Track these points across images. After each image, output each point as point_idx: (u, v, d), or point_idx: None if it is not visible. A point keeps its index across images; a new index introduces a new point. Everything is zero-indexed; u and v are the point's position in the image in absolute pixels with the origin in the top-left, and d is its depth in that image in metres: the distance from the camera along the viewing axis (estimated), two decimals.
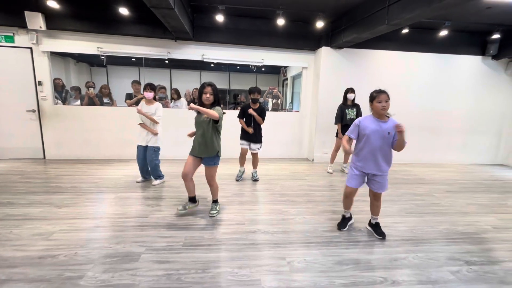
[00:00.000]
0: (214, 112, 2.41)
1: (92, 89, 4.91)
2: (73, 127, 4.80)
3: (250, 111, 3.71)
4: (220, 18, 4.41)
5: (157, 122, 3.50)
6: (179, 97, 5.45)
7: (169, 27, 4.05)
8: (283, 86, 8.56)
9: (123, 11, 4.14)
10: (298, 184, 3.89)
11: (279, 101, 6.42)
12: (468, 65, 5.43)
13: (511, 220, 2.92)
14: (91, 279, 1.74)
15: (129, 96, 5.18)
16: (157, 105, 3.51)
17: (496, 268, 2.03)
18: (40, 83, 4.59)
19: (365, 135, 2.24)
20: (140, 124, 3.55)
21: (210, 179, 2.73)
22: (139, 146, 3.58)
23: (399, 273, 1.93)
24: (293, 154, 5.69)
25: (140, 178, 3.75)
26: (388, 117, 2.27)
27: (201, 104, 2.53)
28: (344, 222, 2.58)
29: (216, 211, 2.79)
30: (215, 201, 2.87)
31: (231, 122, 4.36)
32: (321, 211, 2.95)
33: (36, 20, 4.19)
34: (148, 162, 3.60)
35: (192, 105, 2.45)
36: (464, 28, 5.02)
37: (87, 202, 3.01)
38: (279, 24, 4.56)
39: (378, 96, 2.18)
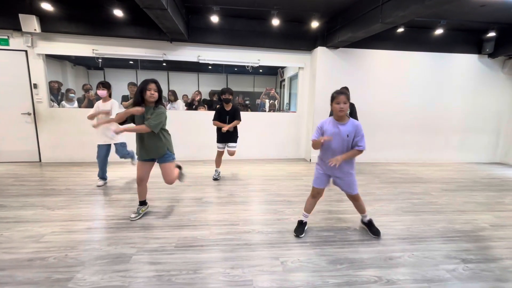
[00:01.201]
0: (143, 128, 2.33)
1: (92, 91, 4.92)
2: (69, 130, 4.78)
3: (224, 129, 3.70)
4: (215, 19, 4.41)
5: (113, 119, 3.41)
6: (176, 98, 5.45)
7: (164, 28, 4.05)
8: (280, 87, 8.56)
9: (117, 12, 4.14)
10: (294, 184, 3.86)
11: (276, 102, 6.42)
12: (465, 63, 5.43)
13: (508, 218, 2.89)
14: (80, 281, 1.71)
15: (125, 98, 5.17)
16: (112, 102, 3.44)
17: (493, 266, 2.00)
18: (35, 86, 4.58)
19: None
20: (90, 115, 3.44)
21: (172, 175, 2.65)
22: (101, 146, 3.50)
23: (394, 272, 1.90)
24: (290, 154, 5.67)
25: (101, 182, 3.62)
26: (349, 118, 2.21)
27: (142, 101, 2.38)
28: (301, 228, 2.40)
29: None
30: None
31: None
32: (317, 211, 2.91)
33: (30, 23, 4.19)
34: (121, 157, 3.70)
35: (118, 128, 2.34)
36: (460, 27, 5.02)
37: (80, 204, 2.98)
38: (274, 24, 4.57)
39: (337, 97, 2.11)
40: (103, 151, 3.53)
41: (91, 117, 3.43)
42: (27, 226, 2.42)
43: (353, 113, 4.30)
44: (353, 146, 2.17)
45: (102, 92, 3.40)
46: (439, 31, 4.89)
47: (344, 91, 2.13)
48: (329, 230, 2.50)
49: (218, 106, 3.98)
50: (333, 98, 2.16)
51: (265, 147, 5.48)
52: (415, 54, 5.28)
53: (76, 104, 4.99)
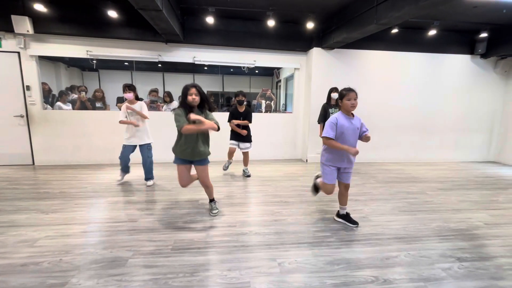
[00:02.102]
0: (213, 125, 2.42)
1: (83, 93, 4.87)
2: (63, 132, 4.72)
3: (233, 124, 4.01)
4: (210, 20, 4.40)
5: (147, 117, 3.58)
6: (171, 100, 5.41)
7: (159, 29, 4.03)
8: (276, 88, 8.57)
9: (112, 14, 4.11)
10: (291, 185, 3.86)
11: (272, 103, 6.42)
12: (458, 64, 5.50)
13: (502, 216, 2.93)
14: (75, 286, 1.69)
15: (120, 100, 5.14)
16: (141, 103, 3.58)
17: (488, 264, 2.02)
18: (28, 87, 4.51)
19: (342, 132, 2.33)
20: (123, 121, 3.51)
21: (207, 179, 2.72)
22: (127, 146, 3.58)
23: (390, 271, 1.91)
24: (287, 155, 5.68)
25: (120, 178, 3.75)
26: (353, 114, 2.42)
27: (187, 106, 2.45)
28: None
29: (217, 210, 2.83)
30: (213, 200, 2.88)
31: (222, 125, 4.29)
32: (314, 211, 2.93)
33: (23, 24, 4.13)
34: (144, 161, 3.66)
35: (193, 115, 2.35)
36: (453, 28, 5.09)
37: (75, 207, 2.94)
38: (269, 25, 4.58)
39: (347, 94, 2.29)
40: (129, 151, 3.60)
41: (123, 123, 3.53)
42: (20, 231, 2.38)
43: None
44: (361, 134, 2.42)
45: (129, 95, 3.49)
46: (432, 32, 4.95)
47: (353, 89, 2.31)
48: (325, 230, 2.51)
49: (231, 107, 4.24)
50: (343, 95, 2.33)
51: (262, 148, 5.47)
52: (409, 55, 5.33)
53: (70, 106, 4.93)
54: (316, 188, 2.83)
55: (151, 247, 2.16)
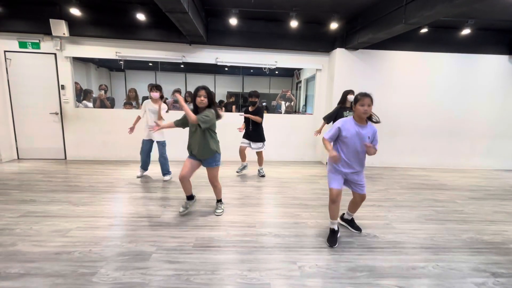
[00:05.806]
0: (194, 118, 2.39)
1: (103, 92, 5.14)
2: (93, 129, 4.99)
3: (243, 115, 4.14)
4: (233, 21, 4.45)
5: (162, 118, 3.79)
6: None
7: (184, 31, 4.14)
8: (296, 89, 8.50)
9: (140, 16, 4.28)
10: (311, 188, 3.81)
11: (292, 104, 6.37)
12: (494, 65, 5.15)
13: None
14: (103, 276, 1.77)
15: (146, 99, 5.32)
16: (161, 104, 3.81)
17: None
18: (63, 87, 4.82)
19: (346, 137, 2.18)
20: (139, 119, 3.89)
21: (214, 180, 2.77)
22: (145, 141, 3.89)
23: (417, 282, 1.82)
24: (306, 157, 5.60)
25: (139, 173, 4.03)
26: (367, 122, 2.21)
27: (196, 107, 2.55)
28: (334, 237, 2.30)
29: (221, 210, 2.86)
30: (219, 201, 2.92)
31: (237, 125, 4.32)
32: None
33: (60, 27, 4.42)
34: (159, 157, 3.89)
35: (178, 96, 2.46)
36: (489, 26, 4.77)
37: (103, 201, 3.09)
38: (292, 26, 4.54)
39: (362, 99, 2.12)
40: (146, 146, 3.90)
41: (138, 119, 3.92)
42: (54, 221, 2.54)
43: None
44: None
45: (156, 94, 3.75)
46: (466, 31, 4.66)
47: (369, 94, 2.14)
48: (347, 236, 2.45)
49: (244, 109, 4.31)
50: (357, 100, 2.15)
51: (281, 149, 5.45)
52: (439, 55, 5.07)
53: (91, 104, 5.22)
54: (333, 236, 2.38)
55: (173, 243, 2.22)
